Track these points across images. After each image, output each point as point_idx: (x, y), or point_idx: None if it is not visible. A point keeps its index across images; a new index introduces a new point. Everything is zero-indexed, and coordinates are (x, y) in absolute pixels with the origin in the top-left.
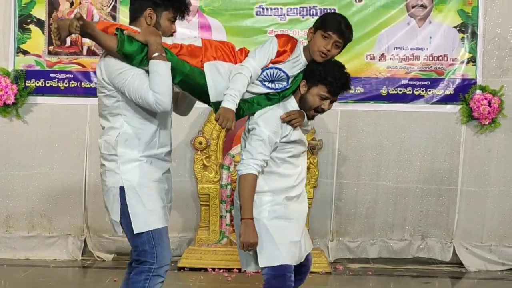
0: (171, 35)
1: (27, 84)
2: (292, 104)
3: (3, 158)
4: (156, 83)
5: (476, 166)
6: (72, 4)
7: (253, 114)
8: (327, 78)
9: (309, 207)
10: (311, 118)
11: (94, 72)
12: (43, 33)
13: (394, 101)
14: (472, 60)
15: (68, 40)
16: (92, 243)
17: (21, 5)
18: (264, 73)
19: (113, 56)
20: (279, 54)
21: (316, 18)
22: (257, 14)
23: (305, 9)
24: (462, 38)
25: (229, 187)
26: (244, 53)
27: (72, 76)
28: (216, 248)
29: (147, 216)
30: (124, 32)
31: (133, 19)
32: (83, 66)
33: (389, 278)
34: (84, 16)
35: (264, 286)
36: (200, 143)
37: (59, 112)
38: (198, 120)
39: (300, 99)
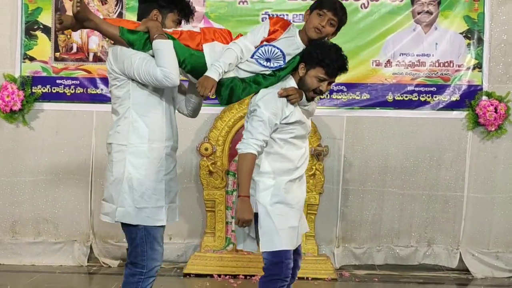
0: None
1: (33, 90)
2: (290, 83)
3: (9, 164)
4: (162, 59)
5: (482, 172)
6: None
7: (256, 93)
8: (324, 60)
9: (314, 214)
10: (310, 99)
11: (100, 78)
12: (50, 40)
13: (400, 107)
14: (478, 66)
15: (75, 46)
16: (98, 249)
17: (27, 12)
18: (259, 51)
19: (118, 44)
20: (271, 32)
21: None
22: (262, 21)
23: None
24: (468, 44)
25: (235, 193)
26: None
27: (78, 82)
28: (222, 254)
29: (134, 211)
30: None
31: (140, 20)
32: (89, 72)
33: (395, 285)
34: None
35: (264, 270)
36: (206, 149)
37: (65, 118)
38: (204, 126)
39: (298, 81)
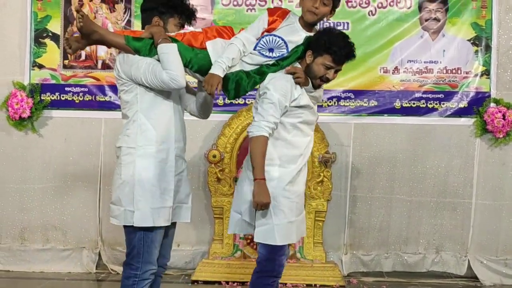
0: None
1: (42, 98)
2: (297, 66)
3: (18, 171)
4: (167, 62)
5: (490, 179)
6: None
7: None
8: (331, 48)
9: (322, 220)
10: (317, 87)
11: (109, 86)
12: (59, 47)
13: (408, 114)
14: (486, 73)
15: (83, 53)
16: (107, 256)
17: (37, 20)
18: (261, 42)
19: (125, 52)
20: (270, 23)
21: None
22: None
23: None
24: (476, 51)
25: None
26: None
27: (87, 89)
28: (230, 261)
29: (148, 213)
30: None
31: (144, 28)
32: (97, 79)
33: None
34: None
35: (257, 263)
36: (214, 156)
37: (74, 126)
38: (212, 133)
39: (305, 68)
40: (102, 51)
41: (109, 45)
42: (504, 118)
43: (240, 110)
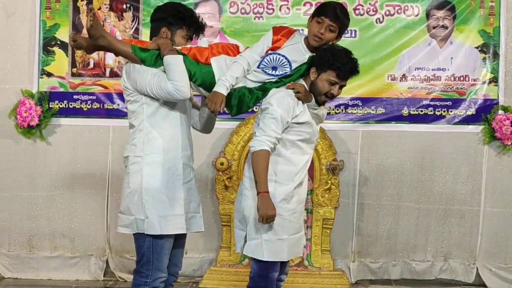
0: None
1: (50, 106)
2: (300, 82)
3: (26, 179)
4: (172, 73)
5: (498, 186)
6: None
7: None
8: (335, 64)
9: (330, 228)
10: (322, 103)
11: (117, 94)
12: (67, 56)
13: (416, 122)
14: (494, 80)
15: (91, 61)
16: (114, 264)
17: (45, 28)
18: (265, 60)
19: (131, 62)
20: (274, 41)
21: None
22: None
23: None
24: (484, 59)
25: None
26: None
27: (95, 97)
28: (237, 269)
29: (156, 220)
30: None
31: (152, 38)
32: (105, 87)
33: None
34: None
35: (250, 279)
36: (222, 163)
37: (82, 133)
38: (219, 141)
39: (310, 85)
40: (110, 59)
41: (115, 52)
42: None
43: (248, 117)
